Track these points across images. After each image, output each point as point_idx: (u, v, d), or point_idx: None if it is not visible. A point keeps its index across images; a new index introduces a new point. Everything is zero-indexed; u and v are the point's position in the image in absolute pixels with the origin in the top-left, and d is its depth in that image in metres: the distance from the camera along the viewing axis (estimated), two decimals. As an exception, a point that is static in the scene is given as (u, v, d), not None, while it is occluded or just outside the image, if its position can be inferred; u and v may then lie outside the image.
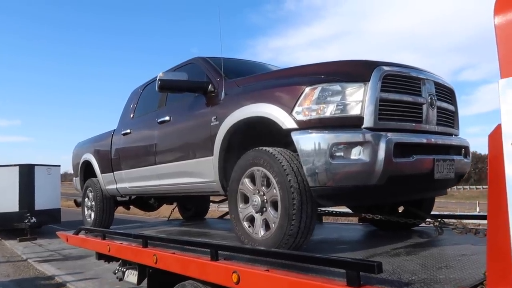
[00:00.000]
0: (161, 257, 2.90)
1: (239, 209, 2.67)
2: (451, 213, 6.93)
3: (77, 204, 5.73)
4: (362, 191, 2.26)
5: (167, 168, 3.65)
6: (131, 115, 4.66)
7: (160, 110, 3.98)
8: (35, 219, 13.10)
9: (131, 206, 5.54)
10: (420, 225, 3.33)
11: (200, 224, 5.03)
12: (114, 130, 4.87)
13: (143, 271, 3.61)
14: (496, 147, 1.29)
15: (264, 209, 2.48)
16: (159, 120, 3.79)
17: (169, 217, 6.08)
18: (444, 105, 2.74)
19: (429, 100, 2.52)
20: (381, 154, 2.15)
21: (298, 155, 2.30)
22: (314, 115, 2.28)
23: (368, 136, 2.18)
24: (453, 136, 2.88)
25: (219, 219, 5.67)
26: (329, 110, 2.26)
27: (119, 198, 5.07)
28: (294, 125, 2.33)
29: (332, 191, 2.24)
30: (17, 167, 13.94)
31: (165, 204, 5.78)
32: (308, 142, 2.23)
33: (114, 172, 4.64)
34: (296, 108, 2.34)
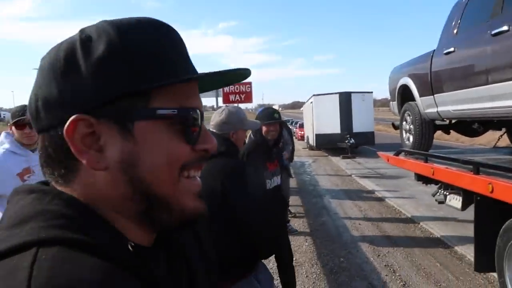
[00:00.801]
0: (500, 187, 2.62)
1: None
2: None
3: (395, 127, 5.96)
4: None
5: (505, 87, 3.13)
6: (454, 31, 4.21)
7: (494, 19, 3.37)
8: (353, 140, 15.02)
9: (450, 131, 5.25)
10: None
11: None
12: (434, 50, 4.60)
13: (469, 197, 3.43)
14: None
15: None
16: (493, 32, 3.23)
17: (495, 144, 5.39)
18: None
19: None
20: None
21: None
22: None
23: None
24: None
25: None
26: None
27: (438, 122, 4.90)
28: None
29: None
30: (337, 95, 16.14)
31: (490, 130, 5.11)
32: None
33: (435, 95, 4.45)
34: None
